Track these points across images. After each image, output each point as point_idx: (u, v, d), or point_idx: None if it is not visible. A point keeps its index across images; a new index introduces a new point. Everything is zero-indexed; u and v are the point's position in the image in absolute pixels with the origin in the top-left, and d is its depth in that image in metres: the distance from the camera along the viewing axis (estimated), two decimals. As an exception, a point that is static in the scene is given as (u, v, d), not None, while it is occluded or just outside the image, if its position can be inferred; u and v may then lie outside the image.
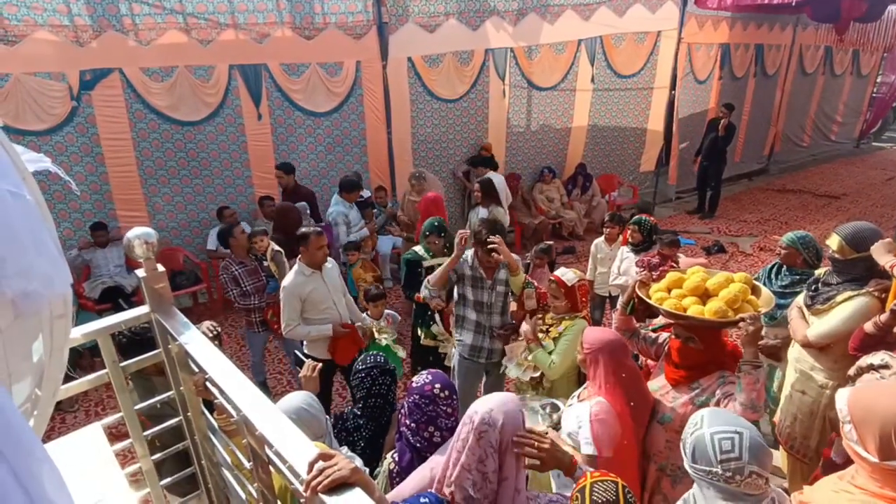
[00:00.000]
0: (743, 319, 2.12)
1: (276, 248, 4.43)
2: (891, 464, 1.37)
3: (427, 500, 1.52)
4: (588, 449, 2.14)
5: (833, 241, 2.69)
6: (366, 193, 6.50)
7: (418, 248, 4.21)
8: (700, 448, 1.53)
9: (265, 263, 4.41)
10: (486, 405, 1.58)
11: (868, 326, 2.46)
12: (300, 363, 3.01)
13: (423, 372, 1.96)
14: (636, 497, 1.72)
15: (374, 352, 2.49)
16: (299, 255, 3.61)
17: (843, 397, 1.52)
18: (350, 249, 5.46)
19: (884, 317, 2.38)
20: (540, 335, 3.08)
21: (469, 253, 3.41)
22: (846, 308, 2.62)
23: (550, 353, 2.98)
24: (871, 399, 1.45)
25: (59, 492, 0.58)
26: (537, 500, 1.71)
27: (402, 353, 4.12)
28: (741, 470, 1.46)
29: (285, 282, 3.59)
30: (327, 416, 2.52)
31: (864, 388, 1.57)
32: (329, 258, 3.74)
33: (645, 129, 8.88)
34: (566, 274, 3.09)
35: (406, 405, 1.90)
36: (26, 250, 0.63)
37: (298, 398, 2.45)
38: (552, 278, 3.12)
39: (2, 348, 0.62)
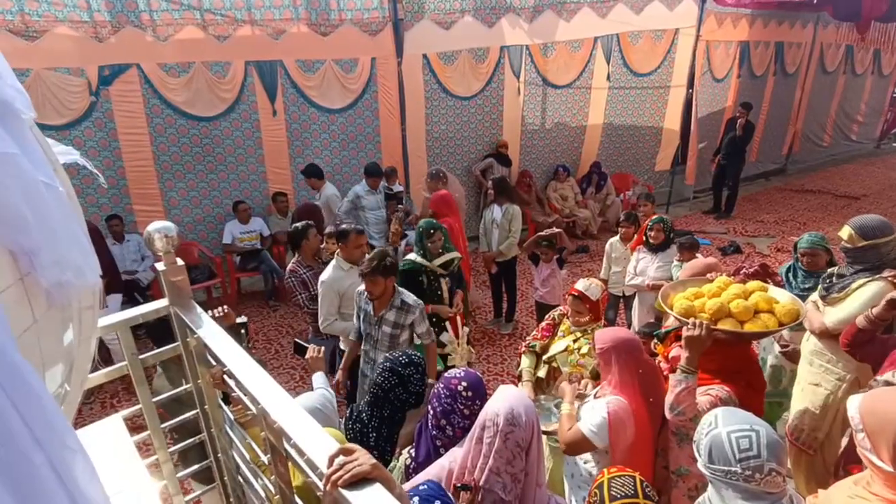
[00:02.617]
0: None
1: None
2: None
3: (426, 486, 1.52)
4: (602, 445, 2.14)
5: (844, 232, 2.74)
6: (398, 188, 6.45)
7: (413, 256, 3.95)
8: (717, 448, 1.49)
9: None
10: (506, 404, 1.57)
11: (860, 321, 2.43)
12: (300, 351, 3.01)
13: (463, 368, 1.96)
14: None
15: (408, 353, 2.45)
16: (337, 251, 3.62)
17: (854, 405, 1.49)
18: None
19: (876, 309, 2.36)
20: (572, 356, 2.98)
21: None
22: (863, 293, 2.63)
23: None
24: (884, 407, 1.42)
25: (91, 482, 0.58)
26: (551, 499, 1.70)
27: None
28: (761, 468, 1.43)
29: (323, 276, 3.59)
30: (340, 419, 2.52)
31: (876, 395, 1.52)
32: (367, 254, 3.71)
33: (661, 128, 8.80)
34: (589, 287, 3.01)
35: (434, 389, 1.92)
36: (60, 241, 0.64)
37: (313, 398, 2.46)
38: (574, 293, 3.03)
39: (36, 338, 0.63)
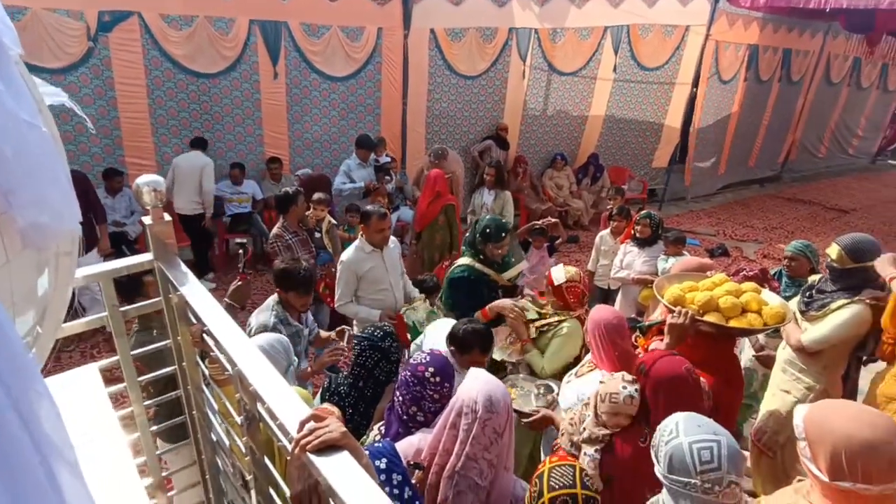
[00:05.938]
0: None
1: (333, 220, 4.35)
2: (840, 484, 1.37)
3: (381, 445, 1.54)
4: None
5: (832, 251, 2.76)
6: (385, 159, 6.42)
7: (468, 261, 3.15)
8: (678, 458, 1.45)
9: (317, 235, 4.30)
10: (484, 391, 1.56)
11: None
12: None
13: (426, 351, 1.93)
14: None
15: (379, 325, 2.46)
16: (361, 233, 3.51)
17: (800, 414, 1.51)
18: (352, 212, 5.10)
19: None
20: (530, 311, 3.01)
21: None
22: (840, 315, 2.69)
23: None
24: (826, 418, 1.45)
25: (55, 427, 0.58)
26: (516, 483, 1.73)
27: None
28: (720, 481, 1.41)
29: (344, 256, 3.52)
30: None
31: (822, 406, 1.53)
32: (392, 238, 3.60)
33: (662, 125, 8.77)
34: (557, 272, 2.99)
35: (401, 376, 1.90)
36: (39, 182, 0.63)
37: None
38: (546, 274, 3.06)
39: (8, 279, 0.62)
